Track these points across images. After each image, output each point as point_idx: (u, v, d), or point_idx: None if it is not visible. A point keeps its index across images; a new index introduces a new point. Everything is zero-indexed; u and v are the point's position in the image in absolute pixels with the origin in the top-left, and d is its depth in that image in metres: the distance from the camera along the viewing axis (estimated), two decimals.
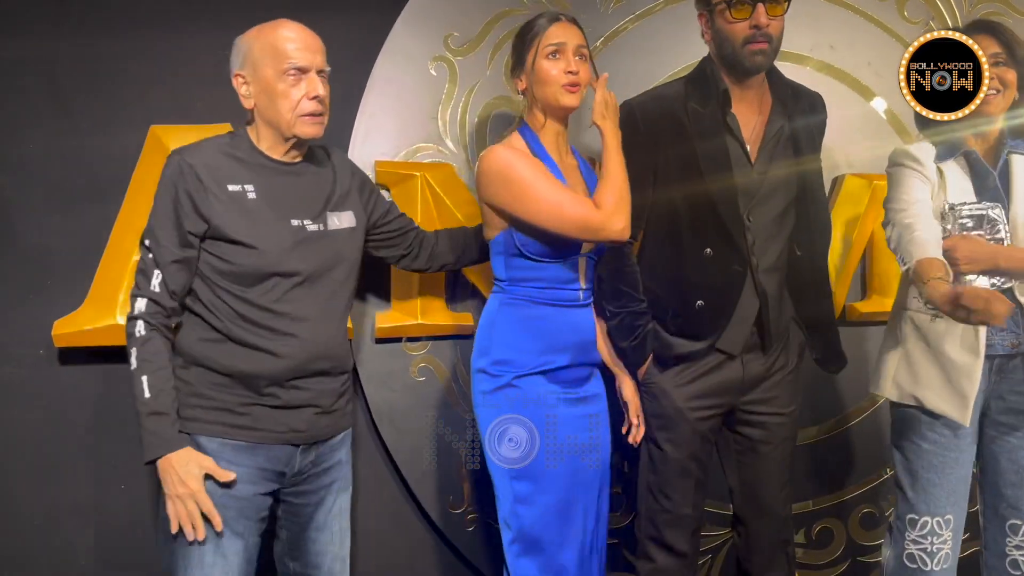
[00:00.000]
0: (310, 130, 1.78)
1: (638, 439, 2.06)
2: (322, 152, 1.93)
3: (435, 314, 2.34)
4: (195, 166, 1.71)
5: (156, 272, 1.70)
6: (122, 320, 2.15)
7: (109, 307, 2.19)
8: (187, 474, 1.64)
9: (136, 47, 2.30)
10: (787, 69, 2.41)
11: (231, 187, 1.73)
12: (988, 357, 1.93)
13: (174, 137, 2.23)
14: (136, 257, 1.89)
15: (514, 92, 2.05)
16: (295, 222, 1.77)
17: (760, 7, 1.86)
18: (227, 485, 1.67)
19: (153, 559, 2.33)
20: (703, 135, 1.94)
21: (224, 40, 2.33)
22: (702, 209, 1.95)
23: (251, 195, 1.73)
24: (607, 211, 1.82)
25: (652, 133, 1.97)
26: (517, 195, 1.85)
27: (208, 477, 1.67)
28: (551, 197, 1.83)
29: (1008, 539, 1.97)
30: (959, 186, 1.94)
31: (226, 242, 1.71)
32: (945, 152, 1.96)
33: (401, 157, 2.34)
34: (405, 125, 2.34)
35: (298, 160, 1.84)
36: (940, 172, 1.96)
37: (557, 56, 1.87)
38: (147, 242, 1.73)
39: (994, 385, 1.98)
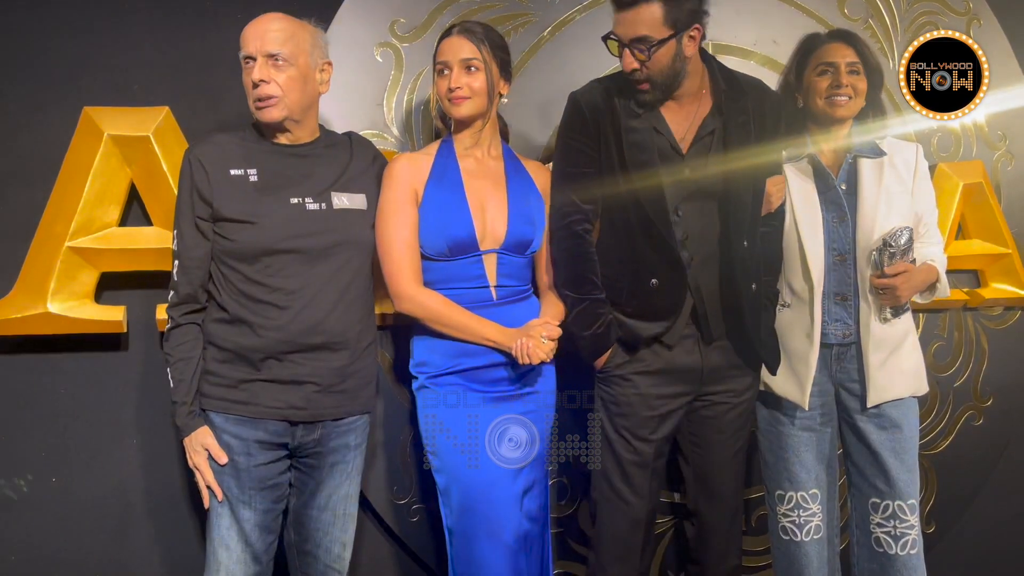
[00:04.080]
0: (262, 115, 1.85)
1: (532, 355, 1.88)
2: (343, 136, 2.02)
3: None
4: (200, 156, 1.84)
5: (176, 262, 1.84)
6: (52, 308, 2.14)
7: (39, 294, 2.13)
8: (194, 452, 1.84)
9: (70, 23, 2.22)
10: (731, 63, 2.44)
11: (233, 171, 1.83)
12: (827, 345, 2.10)
13: (108, 120, 2.17)
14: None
15: None
16: (294, 200, 1.84)
17: (625, 51, 1.91)
18: (229, 459, 1.84)
19: (81, 553, 2.28)
20: (632, 128, 1.97)
21: (162, 19, 2.28)
22: (627, 200, 1.97)
23: (252, 178, 1.84)
24: (408, 295, 1.93)
25: (595, 122, 1.99)
26: (379, 210, 1.95)
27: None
28: (393, 236, 1.92)
29: (871, 516, 2.11)
30: (801, 188, 2.10)
31: (227, 221, 1.81)
32: (790, 156, 2.12)
33: None
34: (350, 112, 2.31)
35: (303, 142, 1.91)
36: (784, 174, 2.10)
37: (444, 73, 1.99)
38: (172, 234, 1.86)
39: (837, 373, 2.12)
